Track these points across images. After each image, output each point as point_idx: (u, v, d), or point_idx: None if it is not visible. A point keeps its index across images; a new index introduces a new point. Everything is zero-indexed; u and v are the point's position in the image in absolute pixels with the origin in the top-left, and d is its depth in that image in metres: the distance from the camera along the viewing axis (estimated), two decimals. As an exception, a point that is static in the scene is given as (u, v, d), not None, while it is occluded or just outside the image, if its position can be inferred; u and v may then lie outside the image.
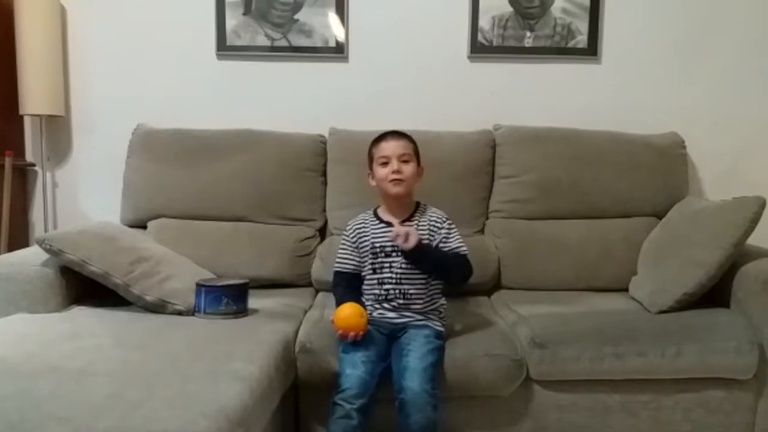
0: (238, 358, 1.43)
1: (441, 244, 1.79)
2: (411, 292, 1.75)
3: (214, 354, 1.45)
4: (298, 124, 2.41)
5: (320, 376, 1.66)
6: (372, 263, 1.79)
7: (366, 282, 1.81)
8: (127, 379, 1.27)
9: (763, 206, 1.83)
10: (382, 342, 1.70)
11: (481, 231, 2.34)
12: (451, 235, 1.80)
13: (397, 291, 1.75)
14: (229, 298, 1.78)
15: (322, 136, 2.39)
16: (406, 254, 1.72)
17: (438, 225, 1.81)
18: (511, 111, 2.49)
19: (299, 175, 2.32)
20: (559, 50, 2.54)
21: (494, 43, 2.54)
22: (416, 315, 1.75)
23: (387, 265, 1.77)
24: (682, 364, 1.74)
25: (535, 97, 2.56)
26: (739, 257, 1.86)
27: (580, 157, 2.32)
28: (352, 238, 1.85)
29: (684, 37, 2.55)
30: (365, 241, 1.81)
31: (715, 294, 1.89)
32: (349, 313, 1.62)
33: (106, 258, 1.78)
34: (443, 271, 1.78)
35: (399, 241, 1.67)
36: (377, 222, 1.84)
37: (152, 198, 2.30)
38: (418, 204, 1.87)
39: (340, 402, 1.54)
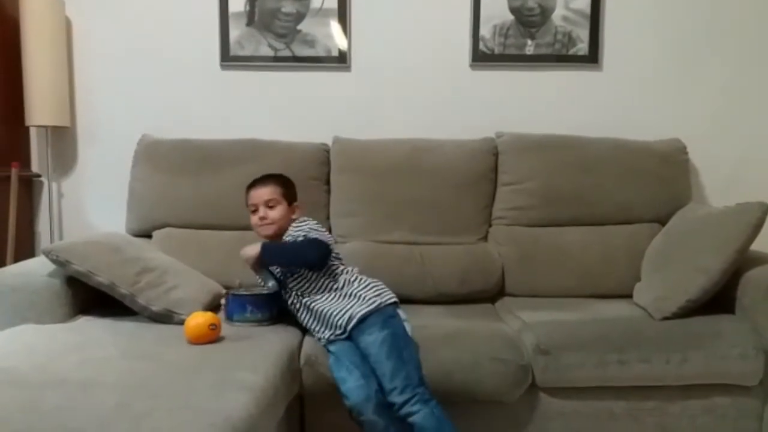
0: (243, 368, 1.43)
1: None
2: (315, 305, 1.75)
3: (220, 364, 1.45)
4: (301, 133, 2.43)
5: (325, 388, 1.66)
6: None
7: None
8: (133, 390, 1.27)
9: (766, 212, 1.83)
10: (353, 347, 1.68)
11: (485, 238, 2.34)
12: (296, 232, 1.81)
13: (306, 312, 1.77)
14: (253, 306, 1.80)
15: (326, 145, 2.40)
16: (262, 262, 1.76)
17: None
18: (512, 118, 2.50)
19: (303, 184, 2.29)
20: (560, 58, 2.55)
21: (495, 52, 2.55)
22: (342, 312, 1.70)
23: (287, 293, 1.81)
24: (687, 370, 1.74)
25: (536, 104, 2.57)
26: (743, 263, 1.86)
27: (582, 164, 2.33)
28: None
29: (685, 42, 2.56)
30: None
31: (719, 300, 1.89)
32: (195, 323, 1.59)
33: (112, 268, 1.79)
34: (294, 255, 1.78)
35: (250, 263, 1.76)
36: None
37: (157, 208, 2.31)
38: None
39: (358, 416, 1.54)
